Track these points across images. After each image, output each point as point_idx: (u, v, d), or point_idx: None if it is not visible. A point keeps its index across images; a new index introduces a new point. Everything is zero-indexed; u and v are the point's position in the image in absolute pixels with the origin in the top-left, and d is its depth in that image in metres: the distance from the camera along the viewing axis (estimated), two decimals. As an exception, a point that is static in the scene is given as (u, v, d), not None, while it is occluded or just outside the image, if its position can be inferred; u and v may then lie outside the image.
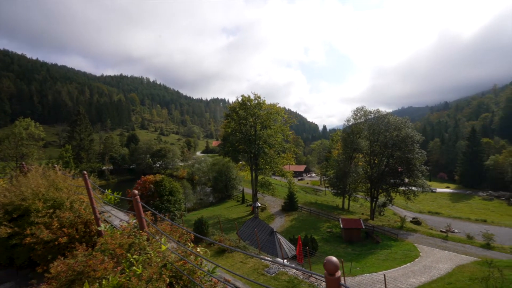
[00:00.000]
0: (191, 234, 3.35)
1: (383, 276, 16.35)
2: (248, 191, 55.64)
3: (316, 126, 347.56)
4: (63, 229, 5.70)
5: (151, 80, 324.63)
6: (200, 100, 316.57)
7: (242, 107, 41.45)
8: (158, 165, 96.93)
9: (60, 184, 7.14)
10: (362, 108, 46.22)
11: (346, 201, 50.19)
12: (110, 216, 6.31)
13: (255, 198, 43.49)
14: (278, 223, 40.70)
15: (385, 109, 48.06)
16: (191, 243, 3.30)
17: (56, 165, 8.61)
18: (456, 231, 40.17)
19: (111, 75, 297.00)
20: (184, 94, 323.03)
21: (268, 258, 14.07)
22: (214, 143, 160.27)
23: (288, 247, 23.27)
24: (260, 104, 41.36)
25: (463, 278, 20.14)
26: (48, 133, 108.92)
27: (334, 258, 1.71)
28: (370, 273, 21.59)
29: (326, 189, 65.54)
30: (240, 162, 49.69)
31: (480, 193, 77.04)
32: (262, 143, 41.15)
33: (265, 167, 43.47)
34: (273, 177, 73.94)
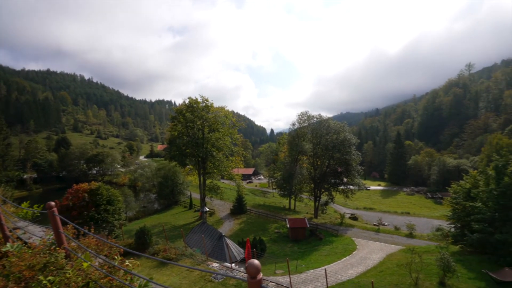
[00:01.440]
0: (120, 247, 2.99)
1: (324, 271, 17.36)
2: (196, 196, 54.08)
3: (264, 129, 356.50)
4: (-42, 253, 4.65)
5: (86, 77, 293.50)
6: (144, 101, 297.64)
7: (189, 110, 40.25)
8: (94, 172, 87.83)
9: (-43, 197, 5.85)
10: (306, 113, 49.01)
11: (293, 202, 52.38)
12: (24, 233, 5.38)
13: (203, 203, 42.46)
14: (227, 227, 40.36)
15: (326, 114, 51.70)
16: (119, 257, 2.94)
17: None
18: (386, 223, 45.03)
19: (35, 70, 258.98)
20: (125, 94, 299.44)
21: (215, 265, 13.76)
22: (159, 147, 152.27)
23: (237, 250, 23.17)
24: (207, 107, 40.69)
25: (392, 265, 22.61)
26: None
27: (255, 262, 1.69)
28: (314, 269, 22.75)
29: (274, 190, 67.45)
30: (188, 167, 48.07)
31: (405, 189, 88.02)
32: (210, 146, 40.50)
33: (214, 171, 42.82)
34: (221, 180, 73.16)
